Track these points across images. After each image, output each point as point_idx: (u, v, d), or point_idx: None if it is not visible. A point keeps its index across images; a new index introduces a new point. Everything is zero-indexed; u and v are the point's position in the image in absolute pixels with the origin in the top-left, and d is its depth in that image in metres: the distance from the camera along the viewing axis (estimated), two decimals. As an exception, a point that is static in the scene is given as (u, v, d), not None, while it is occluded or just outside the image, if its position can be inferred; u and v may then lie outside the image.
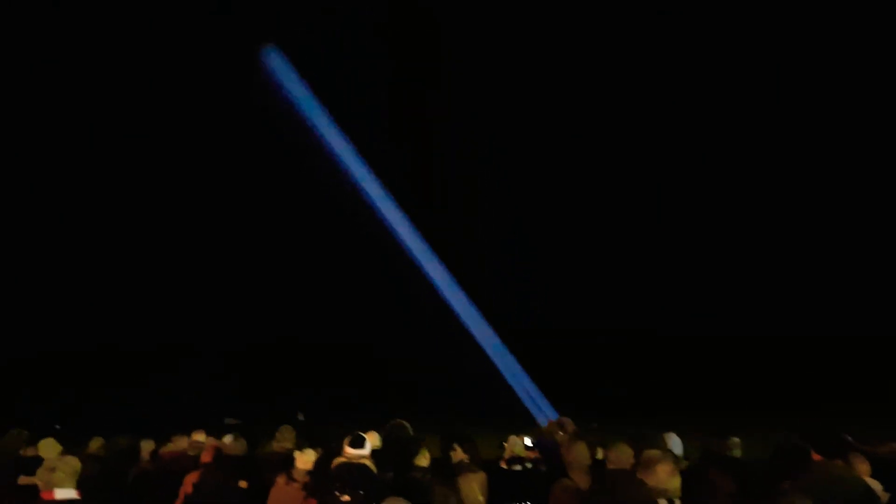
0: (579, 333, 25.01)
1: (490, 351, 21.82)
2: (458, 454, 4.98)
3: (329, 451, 5.28)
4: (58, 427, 13.25)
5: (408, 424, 5.24)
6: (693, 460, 4.81)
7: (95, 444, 6.40)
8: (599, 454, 5.11)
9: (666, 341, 24.09)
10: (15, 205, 24.47)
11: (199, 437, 6.24)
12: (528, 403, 19.85)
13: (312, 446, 5.56)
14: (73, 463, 4.16)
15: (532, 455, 5.35)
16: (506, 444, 5.54)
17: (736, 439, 5.47)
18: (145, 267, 26.48)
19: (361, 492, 3.72)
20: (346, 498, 3.70)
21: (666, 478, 3.21)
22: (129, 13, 24.63)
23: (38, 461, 4.67)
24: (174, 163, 26.07)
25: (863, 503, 4.06)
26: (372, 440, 5.55)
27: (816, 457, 4.33)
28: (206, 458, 5.28)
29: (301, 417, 13.01)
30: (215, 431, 6.63)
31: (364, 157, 22.72)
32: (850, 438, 5.46)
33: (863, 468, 4.47)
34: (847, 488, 4.06)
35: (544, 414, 17.25)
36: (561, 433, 5.05)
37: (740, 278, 24.86)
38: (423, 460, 4.69)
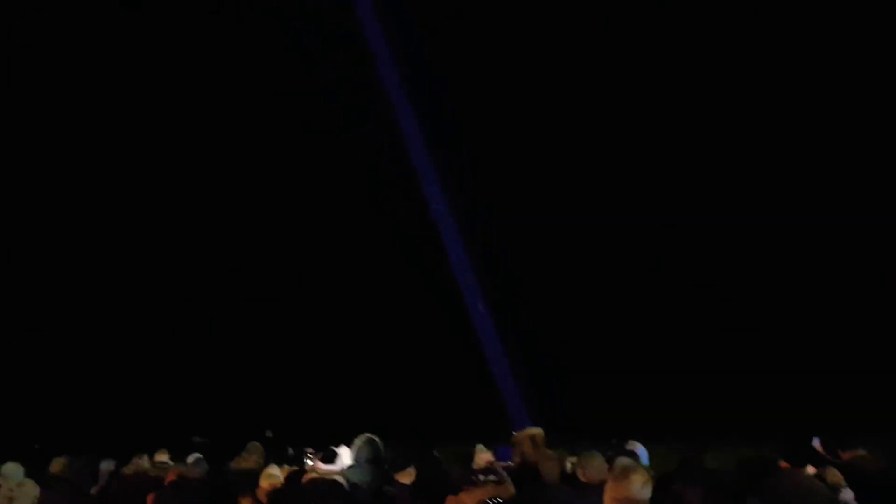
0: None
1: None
2: None
3: (300, 468, 5.18)
4: (37, 447, 12.86)
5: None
6: (661, 471, 4.80)
7: (57, 464, 6.22)
8: (569, 466, 5.06)
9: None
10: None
11: (163, 457, 6.09)
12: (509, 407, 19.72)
13: (280, 464, 5.46)
14: (31, 490, 4.04)
15: (503, 465, 5.30)
16: (475, 456, 5.49)
17: (709, 449, 5.50)
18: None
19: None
20: (315, 515, 3.61)
21: (640, 488, 3.17)
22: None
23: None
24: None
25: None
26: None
27: (785, 466, 4.36)
28: (169, 480, 5.15)
29: (269, 434, 12.73)
30: (181, 450, 6.48)
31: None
32: (818, 447, 5.52)
33: (835, 477, 4.51)
34: (812, 498, 4.08)
35: (518, 421, 17.21)
36: (529, 445, 4.98)
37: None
38: None
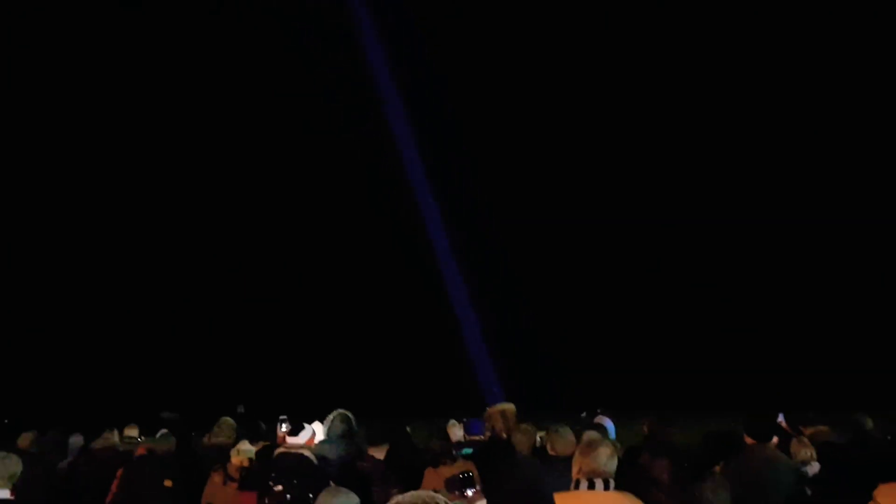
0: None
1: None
2: None
3: (272, 443, 5.16)
4: (6, 421, 12.77)
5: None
6: (628, 445, 4.89)
7: (26, 439, 6.14)
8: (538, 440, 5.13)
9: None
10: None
11: (132, 431, 6.03)
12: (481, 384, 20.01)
13: (253, 439, 5.43)
14: (13, 465, 3.99)
15: (475, 439, 5.36)
16: (448, 431, 5.54)
17: (675, 424, 5.60)
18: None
19: (296, 481, 3.63)
20: (279, 488, 3.62)
21: (606, 461, 3.23)
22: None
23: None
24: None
25: (790, 486, 4.19)
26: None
27: (749, 441, 4.45)
28: (139, 455, 5.12)
29: (241, 410, 12.67)
30: (150, 425, 6.43)
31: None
32: (782, 423, 5.66)
33: (805, 451, 4.61)
34: (775, 471, 4.19)
35: (492, 396, 17.43)
36: (500, 420, 5.04)
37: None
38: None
